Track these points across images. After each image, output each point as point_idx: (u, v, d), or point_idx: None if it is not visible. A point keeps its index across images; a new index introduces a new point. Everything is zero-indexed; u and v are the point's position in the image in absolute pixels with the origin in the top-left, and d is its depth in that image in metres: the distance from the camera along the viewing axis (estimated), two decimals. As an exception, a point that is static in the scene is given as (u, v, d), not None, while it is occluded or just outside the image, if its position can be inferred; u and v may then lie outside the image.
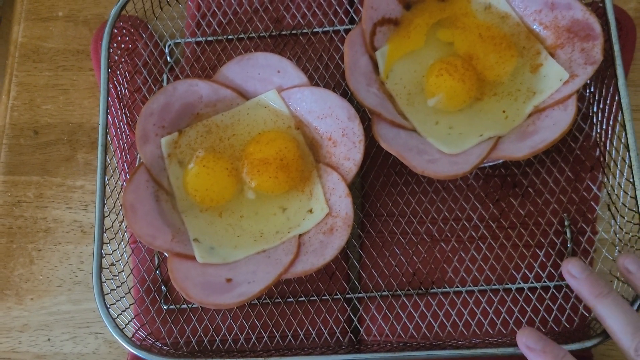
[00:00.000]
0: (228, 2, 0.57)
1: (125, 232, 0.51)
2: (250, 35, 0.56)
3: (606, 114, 0.49)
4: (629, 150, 0.46)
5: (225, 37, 0.56)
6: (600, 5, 0.49)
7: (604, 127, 0.49)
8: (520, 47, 0.50)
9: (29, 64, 0.60)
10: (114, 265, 0.49)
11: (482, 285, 0.49)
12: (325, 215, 0.47)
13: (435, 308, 0.49)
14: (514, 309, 0.48)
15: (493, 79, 0.49)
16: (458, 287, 0.49)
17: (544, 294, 0.48)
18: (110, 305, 0.46)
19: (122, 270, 0.49)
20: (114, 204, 0.51)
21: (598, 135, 0.50)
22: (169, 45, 0.57)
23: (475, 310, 0.48)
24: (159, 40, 0.57)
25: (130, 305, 0.49)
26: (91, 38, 0.59)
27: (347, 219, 0.45)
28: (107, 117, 0.49)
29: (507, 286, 0.49)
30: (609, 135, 0.49)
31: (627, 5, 0.55)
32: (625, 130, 0.46)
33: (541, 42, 0.49)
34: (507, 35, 0.50)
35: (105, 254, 0.48)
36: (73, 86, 0.59)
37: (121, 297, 0.48)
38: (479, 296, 0.49)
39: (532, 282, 0.49)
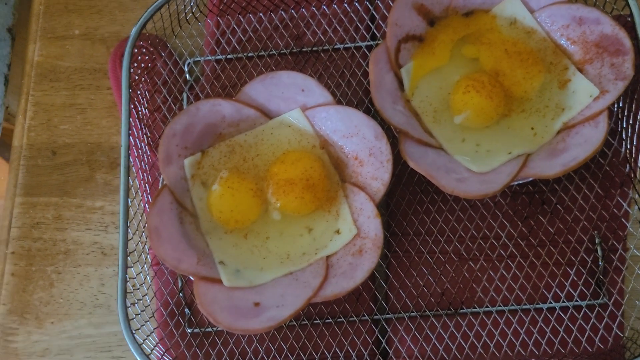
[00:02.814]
0: (247, 20, 0.57)
1: (148, 254, 0.50)
2: (271, 52, 0.55)
3: (637, 130, 0.48)
4: (661, 167, 0.45)
5: (245, 54, 0.55)
6: (629, 19, 0.48)
7: (634, 142, 0.48)
8: (547, 63, 0.49)
9: (46, 83, 0.60)
10: (138, 289, 0.48)
11: (512, 305, 0.48)
12: (353, 236, 0.46)
13: (465, 329, 0.48)
14: (545, 329, 0.47)
15: (520, 95, 0.49)
16: (488, 307, 0.48)
17: (576, 314, 0.47)
18: (135, 331, 0.45)
19: (146, 294, 0.49)
20: (137, 226, 0.50)
21: (628, 151, 0.49)
22: (189, 63, 0.56)
23: (507, 330, 0.47)
24: (178, 59, 0.56)
25: (154, 329, 0.48)
26: (108, 56, 0.59)
27: (376, 240, 0.45)
28: (129, 137, 0.49)
29: (538, 306, 0.48)
30: (639, 151, 0.48)
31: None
32: (656, 146, 0.46)
33: (569, 58, 0.49)
34: (534, 51, 0.49)
35: (129, 278, 0.47)
36: (90, 105, 0.59)
37: (145, 322, 0.47)
38: (510, 316, 0.48)
39: (563, 302, 0.48)
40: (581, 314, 0.47)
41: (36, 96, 0.59)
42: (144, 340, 0.46)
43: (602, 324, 0.47)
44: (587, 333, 0.47)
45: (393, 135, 0.50)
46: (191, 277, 0.46)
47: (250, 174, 0.49)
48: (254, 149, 0.49)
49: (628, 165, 0.49)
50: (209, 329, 0.49)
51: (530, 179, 0.48)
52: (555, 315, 0.47)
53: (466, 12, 0.51)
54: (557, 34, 0.49)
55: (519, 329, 0.47)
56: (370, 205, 0.46)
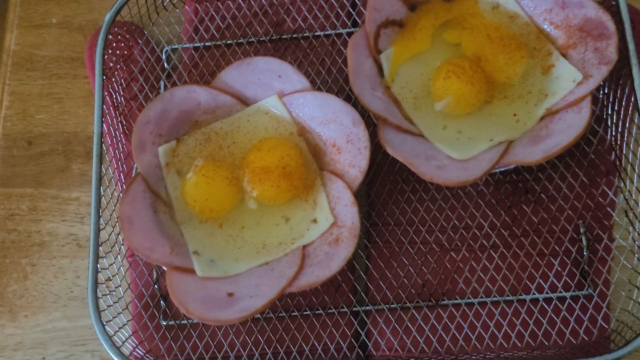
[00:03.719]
0: (226, 6, 0.56)
1: (122, 245, 0.49)
2: (250, 39, 0.54)
3: (622, 116, 0.47)
4: (646, 154, 0.44)
5: (223, 42, 0.54)
6: (613, 3, 0.47)
7: (619, 129, 0.47)
8: (530, 48, 0.48)
9: (22, 72, 0.59)
10: (110, 280, 0.47)
11: (495, 296, 0.47)
12: (330, 225, 0.45)
13: (447, 321, 0.47)
14: (529, 321, 0.46)
15: (503, 81, 0.47)
16: (470, 299, 0.47)
17: (560, 305, 0.46)
18: (106, 323, 0.44)
19: (119, 285, 0.47)
20: (110, 216, 0.49)
21: (613, 139, 0.48)
22: (166, 51, 0.55)
23: (489, 322, 0.46)
24: (155, 46, 0.55)
25: (128, 321, 0.47)
26: (86, 45, 0.57)
27: (353, 228, 0.43)
28: (102, 125, 0.48)
29: (521, 297, 0.47)
30: (625, 138, 0.47)
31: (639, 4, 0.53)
32: (642, 132, 0.44)
33: (552, 42, 0.47)
34: (517, 36, 0.48)
35: (101, 269, 0.46)
36: (67, 95, 0.58)
37: (118, 314, 0.46)
38: (492, 308, 0.47)
39: (547, 293, 0.46)
40: (565, 305, 0.46)
41: (12, 85, 0.58)
42: (115, 332, 0.45)
43: (587, 316, 0.46)
44: (571, 325, 0.45)
45: (374, 124, 0.49)
46: (164, 267, 0.45)
47: (226, 162, 0.48)
48: (230, 137, 0.48)
49: (614, 153, 0.48)
50: (184, 322, 0.48)
51: (513, 167, 0.47)
52: (538, 307, 0.46)
53: (448, -4, 0.50)
54: (540, 18, 0.48)
55: (501, 320, 0.46)
56: (348, 193, 0.44)
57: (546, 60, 0.47)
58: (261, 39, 0.54)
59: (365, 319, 0.48)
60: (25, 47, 0.59)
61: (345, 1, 0.54)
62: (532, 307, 0.46)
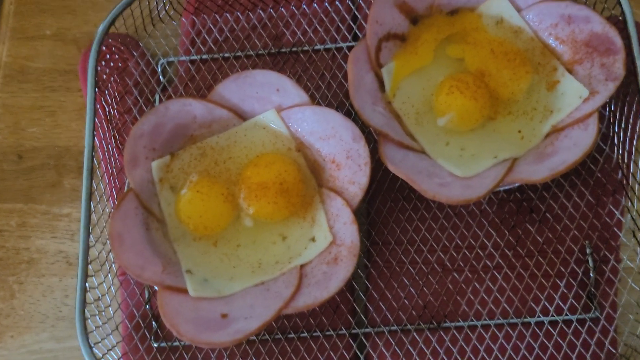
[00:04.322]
0: (224, 19, 0.54)
1: (113, 263, 0.48)
2: (248, 53, 0.53)
3: (629, 134, 0.46)
4: (655, 172, 0.43)
5: (221, 55, 0.53)
6: (620, 18, 0.46)
7: (626, 147, 0.46)
8: (535, 63, 0.47)
9: (14, 84, 0.57)
10: (100, 299, 0.45)
11: (498, 319, 0.45)
12: (328, 243, 0.43)
13: (449, 344, 0.45)
14: (534, 344, 0.44)
15: (507, 97, 0.46)
16: (473, 321, 0.45)
17: (566, 329, 0.45)
18: (95, 344, 0.42)
19: (109, 305, 0.46)
20: (101, 233, 0.47)
21: (620, 157, 0.47)
22: (162, 63, 0.54)
23: (492, 346, 0.45)
24: (151, 59, 0.54)
25: (117, 343, 0.45)
26: (80, 57, 0.56)
27: (352, 247, 0.42)
28: (93, 139, 0.46)
29: (526, 320, 0.45)
30: (632, 156, 0.46)
31: (645, 20, 0.52)
32: (650, 150, 0.43)
33: (557, 58, 0.46)
34: (521, 51, 0.47)
35: (90, 288, 0.44)
36: (60, 108, 0.56)
37: (107, 335, 0.44)
38: (496, 331, 0.45)
39: (553, 315, 0.45)
40: (571, 328, 0.44)
41: (3, 98, 0.57)
42: (103, 354, 0.43)
43: (594, 340, 0.44)
44: (577, 349, 0.44)
45: (374, 140, 0.47)
46: (156, 287, 0.43)
47: (221, 178, 0.46)
48: (226, 152, 0.47)
49: (620, 171, 0.47)
50: (176, 344, 0.46)
51: (517, 185, 0.46)
52: (544, 330, 0.45)
53: (451, 10, 0.49)
54: (545, 34, 0.47)
55: (505, 344, 0.45)
56: (347, 211, 0.43)
57: (551, 76, 0.46)
58: (260, 52, 0.53)
59: (365, 341, 0.46)
60: (17, 58, 0.58)
61: (345, 14, 0.54)
62: (537, 330, 0.45)
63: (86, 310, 0.43)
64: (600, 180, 0.47)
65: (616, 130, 0.47)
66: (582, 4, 0.46)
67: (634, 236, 0.46)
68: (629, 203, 0.46)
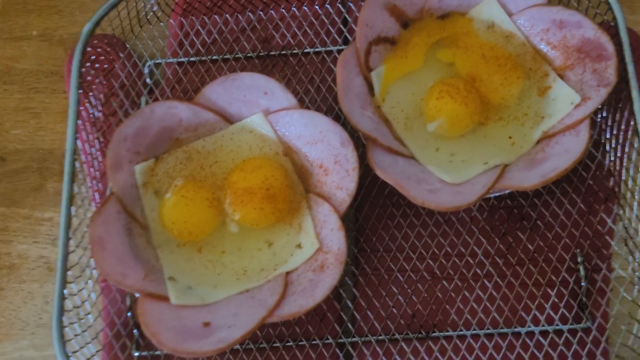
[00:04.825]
0: (213, 21, 0.54)
1: (94, 269, 0.46)
2: (237, 55, 0.52)
3: (621, 141, 0.45)
4: (647, 180, 0.42)
5: (209, 57, 0.52)
6: (612, 24, 0.46)
7: (618, 154, 0.45)
8: (526, 69, 0.46)
9: (-2, 85, 0.56)
10: (79, 307, 0.44)
11: (488, 328, 0.44)
12: (315, 250, 0.42)
13: (437, 354, 0.44)
14: (524, 355, 0.44)
15: (498, 102, 0.46)
16: (462, 331, 0.44)
17: (557, 339, 0.44)
18: (72, 353, 0.41)
19: (89, 313, 0.44)
20: (82, 238, 0.46)
21: (612, 164, 0.46)
22: (149, 65, 0.53)
23: (482, 356, 0.44)
24: (137, 61, 0.53)
25: (97, 352, 0.44)
26: (66, 59, 0.55)
27: (339, 254, 0.41)
28: (75, 141, 0.45)
29: (516, 330, 0.44)
30: (625, 164, 0.45)
31: (637, 27, 0.52)
32: (643, 157, 0.43)
33: (549, 63, 0.46)
34: (512, 56, 0.46)
35: (70, 295, 0.43)
36: (45, 110, 0.55)
37: (87, 344, 0.43)
38: (485, 341, 0.44)
39: (543, 325, 0.44)
40: (562, 339, 0.44)
41: (-13, 99, 0.56)
42: (82, 363, 0.42)
43: (585, 351, 0.43)
44: (568, 360, 0.43)
45: (363, 144, 0.46)
46: (137, 294, 0.42)
47: (207, 183, 0.45)
48: (213, 156, 0.46)
49: (612, 179, 0.46)
50: (158, 353, 0.45)
51: (508, 191, 0.45)
52: (534, 340, 0.44)
53: (442, 14, 0.48)
54: (536, 39, 0.46)
55: (495, 355, 0.44)
56: (334, 217, 0.42)
57: (543, 81, 0.46)
58: (248, 55, 0.52)
59: (352, 351, 0.45)
60: (3, 59, 0.57)
61: (336, 18, 0.53)
62: (528, 340, 0.44)
63: (64, 318, 0.42)
64: (592, 188, 0.46)
65: (608, 136, 0.46)
66: (574, 10, 0.45)
67: (626, 244, 0.45)
68: (621, 211, 0.46)
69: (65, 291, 0.42)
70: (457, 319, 0.45)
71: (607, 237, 0.46)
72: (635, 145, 0.44)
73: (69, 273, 0.43)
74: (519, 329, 0.44)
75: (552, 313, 0.44)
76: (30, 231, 0.52)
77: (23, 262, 0.51)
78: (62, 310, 0.41)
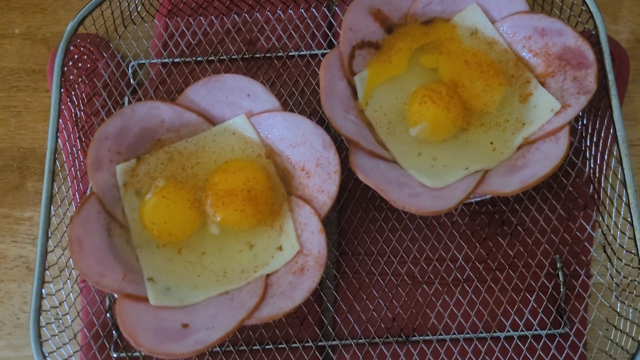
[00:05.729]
0: (198, 22, 0.54)
1: (73, 269, 0.46)
2: (221, 57, 0.52)
3: (600, 148, 0.46)
4: (625, 187, 0.43)
5: (193, 59, 0.52)
6: (593, 32, 0.46)
7: (597, 162, 0.46)
8: (508, 75, 0.46)
9: (-21, 83, 0.56)
10: (57, 307, 0.43)
11: (468, 333, 0.44)
12: (295, 253, 0.42)
13: (417, 358, 0.44)
14: (503, 360, 0.44)
15: (480, 108, 0.46)
16: (442, 335, 0.44)
17: (535, 344, 0.44)
18: (49, 354, 0.41)
19: (67, 313, 0.44)
20: (61, 237, 0.46)
21: (592, 171, 0.46)
22: (132, 65, 0.53)
23: (461, 361, 0.44)
24: (121, 61, 0.53)
25: (75, 352, 0.43)
26: (49, 57, 0.55)
27: (319, 257, 0.41)
28: (56, 140, 0.45)
29: (495, 334, 0.44)
30: (604, 171, 0.46)
31: (619, 36, 0.53)
32: (621, 165, 0.43)
33: (531, 70, 0.46)
34: (495, 63, 0.46)
35: (48, 295, 0.42)
36: (26, 108, 0.55)
37: (64, 344, 0.43)
38: (465, 345, 0.44)
39: (522, 330, 0.44)
40: (540, 344, 0.44)
41: (-33, 97, 0.55)
42: (58, 364, 0.42)
43: (563, 356, 0.44)
44: (546, 365, 0.43)
45: (346, 148, 0.46)
46: (116, 295, 0.42)
47: (188, 184, 0.45)
48: (195, 157, 0.46)
49: (592, 185, 0.46)
50: (137, 354, 0.44)
51: (489, 197, 0.45)
52: (513, 345, 0.44)
53: (426, 20, 0.48)
54: (519, 46, 0.47)
55: (474, 359, 0.44)
56: (315, 220, 0.42)
57: (524, 88, 0.46)
58: (233, 57, 0.52)
59: (332, 354, 0.45)
60: (-16, 57, 0.57)
61: (321, 21, 0.53)
62: (507, 345, 0.44)
63: (42, 318, 0.41)
64: (572, 194, 0.47)
65: (588, 144, 0.47)
66: (556, 17, 0.46)
67: (604, 251, 0.45)
68: (600, 217, 0.46)
69: (43, 291, 0.42)
70: (437, 323, 0.45)
71: (586, 244, 0.46)
72: (615, 152, 0.44)
73: (48, 273, 0.43)
74: (498, 333, 0.44)
75: (531, 318, 0.45)
76: (9, 230, 0.51)
77: (1, 261, 0.50)
78: (39, 310, 0.41)
